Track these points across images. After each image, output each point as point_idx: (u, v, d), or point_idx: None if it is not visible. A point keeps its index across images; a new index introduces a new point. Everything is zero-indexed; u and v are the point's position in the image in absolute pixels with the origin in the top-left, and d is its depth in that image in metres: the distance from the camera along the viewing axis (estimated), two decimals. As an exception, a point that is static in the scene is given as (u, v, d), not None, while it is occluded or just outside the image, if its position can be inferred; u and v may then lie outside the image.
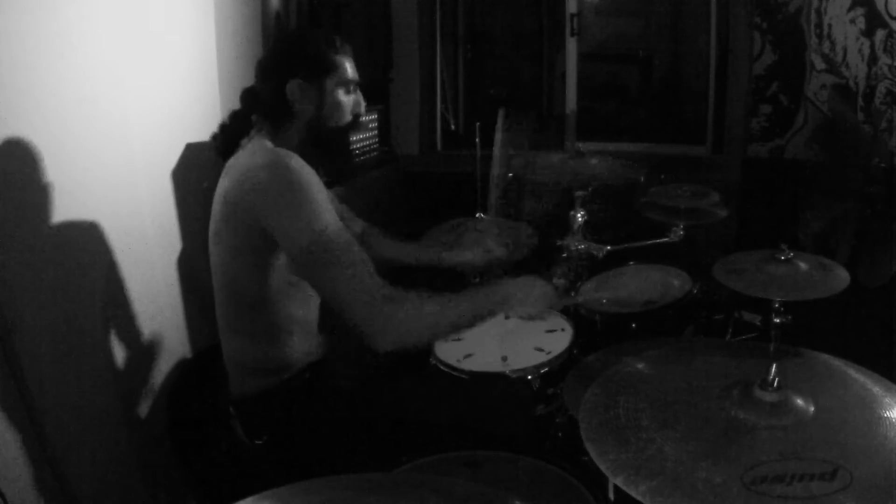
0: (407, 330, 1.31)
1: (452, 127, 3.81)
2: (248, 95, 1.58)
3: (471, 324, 1.39)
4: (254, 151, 1.44)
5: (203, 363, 1.77)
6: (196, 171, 1.99)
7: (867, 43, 2.80)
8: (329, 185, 1.89)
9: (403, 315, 1.30)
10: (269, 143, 1.46)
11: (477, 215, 2.37)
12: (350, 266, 1.31)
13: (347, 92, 1.54)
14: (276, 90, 1.48)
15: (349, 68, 1.53)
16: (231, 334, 1.55)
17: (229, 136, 1.55)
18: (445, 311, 1.36)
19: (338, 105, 1.53)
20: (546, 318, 2.00)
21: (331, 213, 1.36)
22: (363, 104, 1.59)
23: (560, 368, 1.76)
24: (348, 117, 1.56)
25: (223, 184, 1.47)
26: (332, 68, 1.50)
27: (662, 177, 2.76)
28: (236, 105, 1.62)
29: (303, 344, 1.55)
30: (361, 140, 2.78)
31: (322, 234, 1.31)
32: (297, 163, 1.37)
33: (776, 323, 1.82)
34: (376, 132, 2.94)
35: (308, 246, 1.31)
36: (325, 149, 1.55)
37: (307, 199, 1.33)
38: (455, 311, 1.37)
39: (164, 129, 1.95)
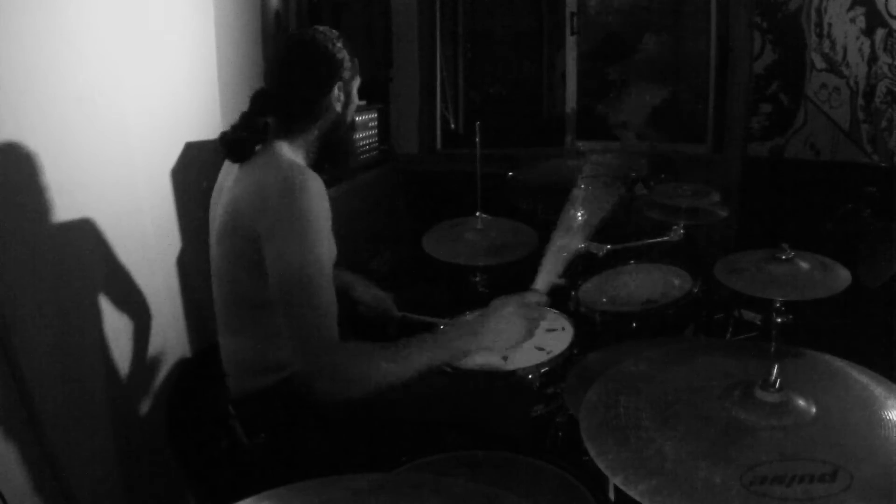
0: (350, 385, 1.32)
1: (452, 126, 3.80)
2: (263, 98, 1.55)
3: (426, 373, 1.37)
4: (269, 164, 1.43)
5: (203, 363, 1.77)
6: (196, 171, 1.99)
7: (867, 42, 2.79)
8: (331, 182, 1.89)
9: (351, 372, 1.32)
10: (286, 154, 1.46)
11: (476, 214, 2.36)
12: (319, 313, 1.32)
13: (356, 89, 1.64)
14: (314, 91, 1.52)
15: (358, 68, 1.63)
16: (230, 335, 1.55)
17: (244, 140, 1.51)
18: (397, 368, 1.34)
19: (354, 104, 1.64)
20: (546, 317, 2.00)
21: (325, 251, 1.37)
22: None
23: (560, 368, 1.76)
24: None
25: (233, 191, 1.46)
26: (357, 72, 1.60)
27: (662, 176, 2.76)
28: (236, 105, 1.62)
29: None
30: (361, 139, 2.78)
31: (307, 271, 1.32)
32: (315, 189, 1.37)
33: (777, 322, 1.82)
34: (376, 131, 2.94)
35: (290, 277, 1.32)
36: (340, 146, 1.64)
37: (308, 234, 1.33)
38: (408, 366, 1.35)
39: (163, 128, 1.95)
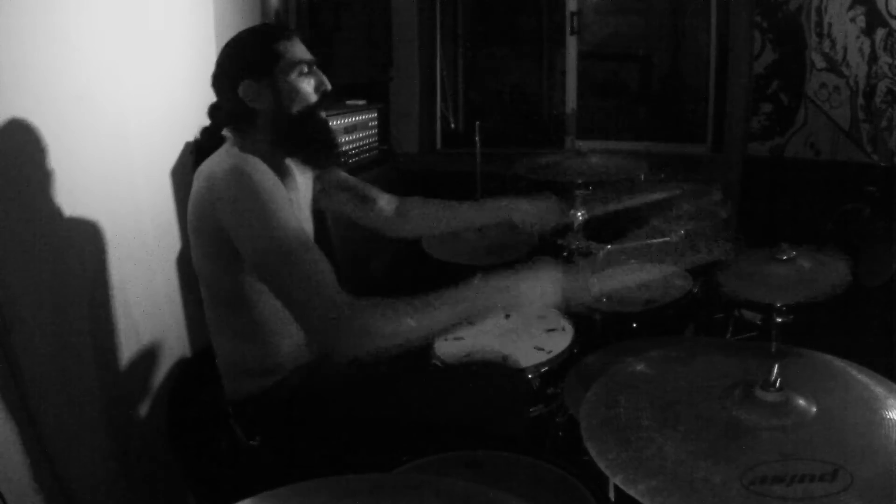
0: (365, 339, 1.28)
1: (452, 126, 3.80)
2: (214, 111, 1.58)
3: (446, 330, 1.35)
4: (218, 158, 1.44)
5: (203, 363, 1.77)
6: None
7: (867, 42, 2.79)
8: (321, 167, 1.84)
9: (363, 324, 1.27)
10: (235, 150, 1.45)
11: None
12: (308, 273, 1.30)
13: (302, 74, 1.50)
14: (231, 97, 1.47)
15: (296, 51, 1.49)
16: (218, 334, 1.55)
17: (203, 153, 1.53)
18: (423, 323, 1.30)
19: (296, 90, 1.48)
20: (546, 316, 2.00)
21: (291, 218, 1.36)
22: (326, 80, 1.54)
23: (560, 368, 1.76)
24: (313, 98, 1.51)
25: (192, 189, 1.47)
26: (276, 57, 1.46)
27: (662, 175, 2.75)
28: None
29: (292, 343, 1.53)
30: (361, 139, 2.78)
31: (279, 240, 1.31)
32: (258, 168, 1.37)
33: (777, 322, 1.81)
34: (376, 131, 2.94)
35: (265, 251, 1.32)
36: (299, 136, 1.52)
37: (265, 205, 1.32)
38: (433, 322, 1.32)
39: (163, 127, 1.95)
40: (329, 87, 1.55)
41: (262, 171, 1.38)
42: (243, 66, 1.47)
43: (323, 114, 1.56)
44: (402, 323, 1.29)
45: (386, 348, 1.29)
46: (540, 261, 1.44)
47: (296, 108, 1.49)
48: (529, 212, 1.92)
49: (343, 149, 2.57)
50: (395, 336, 1.29)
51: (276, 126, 1.49)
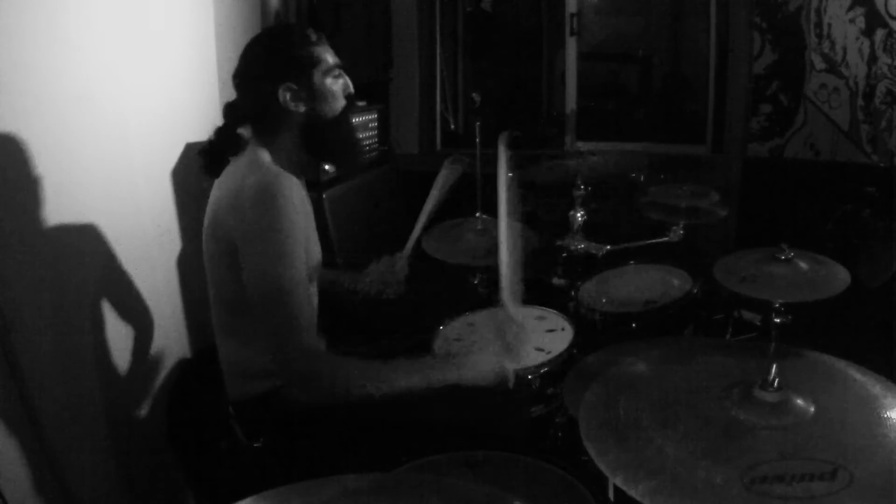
0: (325, 391, 1.35)
1: (452, 126, 3.80)
2: (232, 110, 1.55)
3: (400, 394, 1.39)
4: (246, 167, 1.43)
5: (203, 363, 1.77)
6: (196, 171, 1.98)
7: (867, 42, 2.79)
8: (330, 182, 1.83)
9: (329, 382, 1.34)
10: (265, 157, 1.44)
11: (476, 215, 2.37)
12: (293, 315, 1.33)
13: (335, 78, 1.52)
14: (265, 98, 1.46)
15: (329, 56, 1.51)
16: (222, 337, 1.56)
17: (217, 154, 1.53)
18: (375, 386, 1.36)
19: (330, 94, 1.51)
20: (546, 317, 2.00)
21: (299, 257, 1.36)
22: (350, 83, 1.56)
23: (560, 368, 1.76)
24: (342, 102, 1.54)
25: (215, 194, 1.47)
26: (316, 61, 1.48)
27: (662, 176, 2.76)
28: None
29: None
30: (361, 139, 2.78)
31: (279, 282, 1.32)
32: (287, 191, 1.36)
33: (776, 323, 1.82)
34: (376, 131, 2.94)
35: (263, 287, 1.33)
36: (330, 141, 1.53)
37: (281, 244, 1.33)
38: (386, 387, 1.37)
39: (163, 128, 1.95)
40: (353, 89, 1.57)
41: (290, 197, 1.36)
42: (284, 68, 1.45)
43: (351, 116, 1.58)
44: (356, 383, 1.35)
45: (335, 400, 1.36)
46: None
47: (330, 113, 1.51)
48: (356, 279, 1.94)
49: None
50: (346, 393, 1.35)
51: (309, 130, 1.50)
